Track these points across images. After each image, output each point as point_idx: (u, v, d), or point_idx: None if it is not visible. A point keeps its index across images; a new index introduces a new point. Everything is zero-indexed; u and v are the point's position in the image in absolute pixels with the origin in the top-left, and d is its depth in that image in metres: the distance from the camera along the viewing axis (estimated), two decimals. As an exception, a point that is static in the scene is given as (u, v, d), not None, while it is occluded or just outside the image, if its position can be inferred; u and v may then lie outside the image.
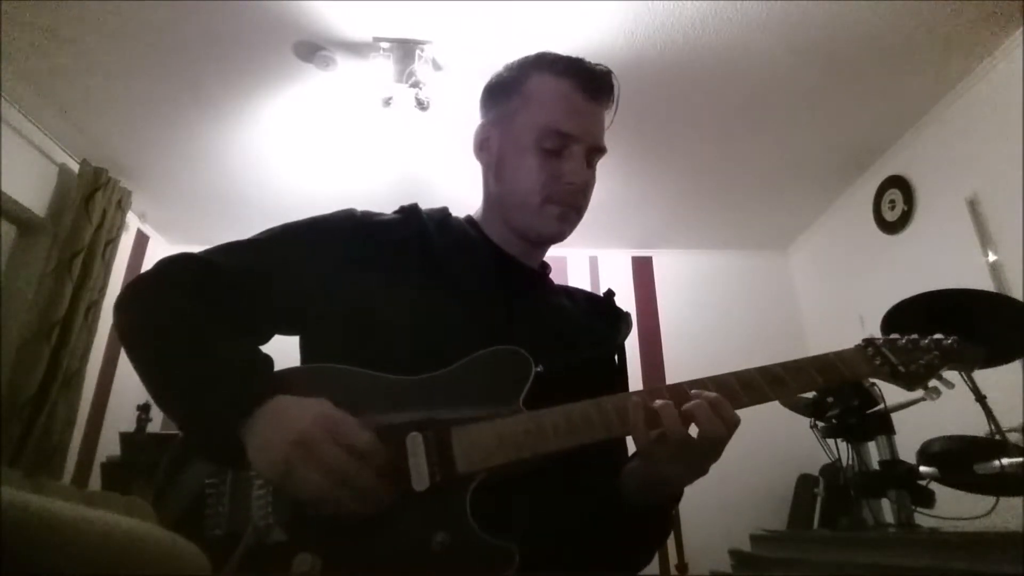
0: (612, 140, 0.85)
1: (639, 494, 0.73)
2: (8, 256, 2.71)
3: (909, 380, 0.75)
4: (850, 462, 1.60)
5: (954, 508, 1.43)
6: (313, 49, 2.23)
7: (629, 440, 0.69)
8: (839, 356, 0.75)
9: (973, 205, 2.44)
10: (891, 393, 1.19)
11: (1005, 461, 1.27)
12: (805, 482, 3.13)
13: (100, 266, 2.82)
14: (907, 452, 1.56)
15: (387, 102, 2.25)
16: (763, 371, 0.71)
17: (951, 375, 0.78)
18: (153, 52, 2.23)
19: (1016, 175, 2.20)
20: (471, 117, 0.92)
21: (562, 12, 2.09)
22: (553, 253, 0.92)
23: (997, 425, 1.39)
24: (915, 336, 0.78)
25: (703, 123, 2.72)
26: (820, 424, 1.68)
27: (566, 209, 0.83)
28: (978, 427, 1.43)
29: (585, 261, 3.87)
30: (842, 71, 2.38)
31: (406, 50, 2.22)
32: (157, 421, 3.01)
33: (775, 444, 3.06)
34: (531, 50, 0.89)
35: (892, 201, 2.94)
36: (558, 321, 0.86)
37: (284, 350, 0.77)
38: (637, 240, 3.85)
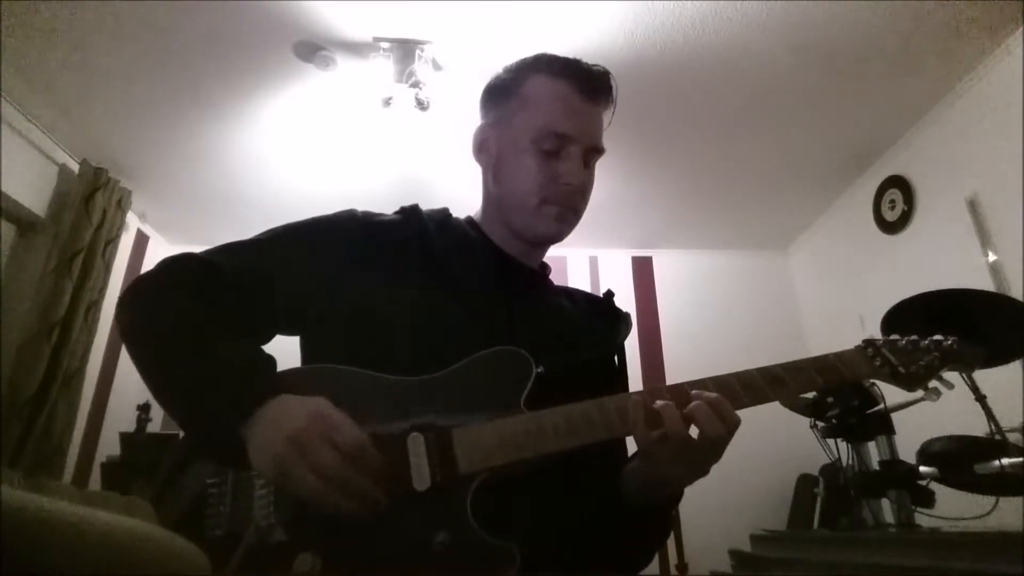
0: (612, 140, 0.85)
1: (639, 494, 0.73)
2: (8, 256, 2.70)
3: (909, 381, 0.75)
4: (850, 462, 1.60)
5: (954, 508, 1.43)
6: (313, 49, 2.23)
7: (629, 440, 0.69)
8: (839, 357, 0.75)
9: (973, 205, 2.44)
10: (891, 393, 1.19)
11: (1005, 461, 1.27)
12: (805, 482, 3.14)
13: (100, 266, 2.82)
14: (907, 452, 1.56)
15: (387, 102, 2.25)
16: (763, 372, 0.71)
17: (951, 375, 0.78)
18: (153, 52, 2.23)
19: (1016, 175, 2.20)
20: (471, 117, 0.93)
21: (562, 12, 2.09)
22: (553, 253, 0.92)
23: (997, 425, 1.39)
24: (915, 337, 0.78)
25: (703, 123, 2.72)
26: (820, 424, 1.68)
27: (564, 210, 0.83)
28: (978, 427, 1.43)
29: (585, 261, 3.87)
30: (842, 71, 2.38)
31: (406, 50, 2.22)
32: (157, 421, 3.01)
33: (775, 444, 3.06)
34: (531, 50, 0.89)
35: (892, 201, 2.94)
36: (558, 322, 0.86)
37: (285, 350, 0.78)
38: (637, 240, 3.85)
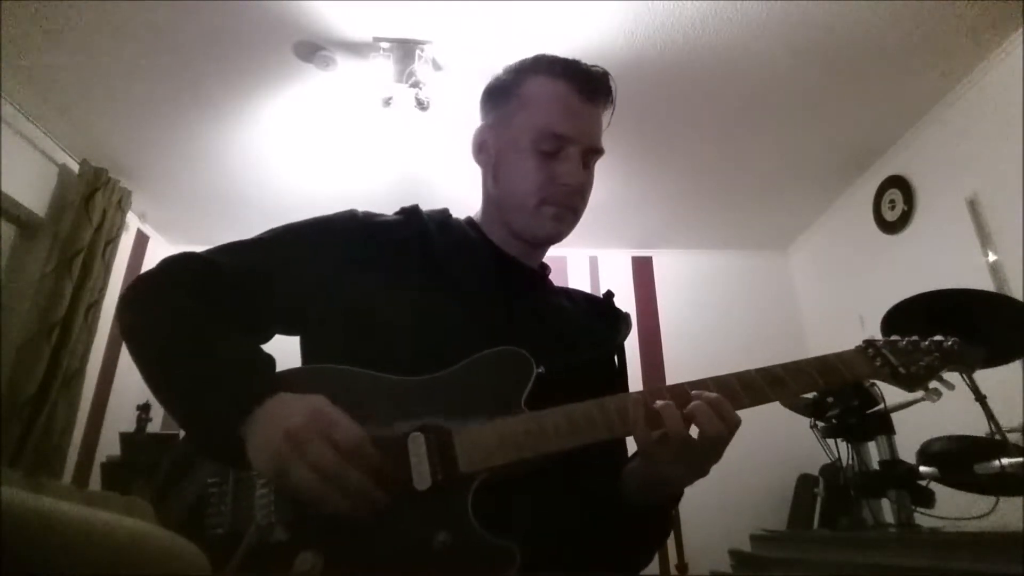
0: (612, 140, 0.85)
1: (639, 494, 0.73)
2: (8, 256, 2.70)
3: (909, 381, 0.75)
4: (850, 462, 1.60)
5: (954, 508, 1.43)
6: (313, 49, 2.23)
7: (629, 440, 0.69)
8: (839, 357, 0.75)
9: (973, 205, 2.44)
10: (891, 393, 1.19)
11: (1005, 461, 1.27)
12: (805, 482, 3.14)
13: (100, 266, 2.82)
14: (907, 452, 1.56)
15: (387, 102, 2.25)
16: (764, 372, 0.71)
17: (951, 375, 0.78)
18: (153, 52, 2.23)
19: (1016, 175, 2.20)
20: (471, 117, 0.93)
21: (562, 12, 2.09)
22: (553, 253, 0.92)
23: (997, 425, 1.39)
24: (915, 337, 0.78)
25: (703, 123, 2.72)
26: (820, 424, 1.68)
27: (562, 210, 0.83)
28: (978, 427, 1.43)
29: (585, 261, 3.87)
30: (842, 71, 2.38)
31: (406, 50, 2.22)
32: (157, 421, 3.01)
33: (775, 444, 3.06)
34: (531, 50, 0.89)
35: (892, 201, 2.94)
36: (558, 322, 0.86)
37: (285, 350, 0.78)
38: (637, 240, 3.85)
